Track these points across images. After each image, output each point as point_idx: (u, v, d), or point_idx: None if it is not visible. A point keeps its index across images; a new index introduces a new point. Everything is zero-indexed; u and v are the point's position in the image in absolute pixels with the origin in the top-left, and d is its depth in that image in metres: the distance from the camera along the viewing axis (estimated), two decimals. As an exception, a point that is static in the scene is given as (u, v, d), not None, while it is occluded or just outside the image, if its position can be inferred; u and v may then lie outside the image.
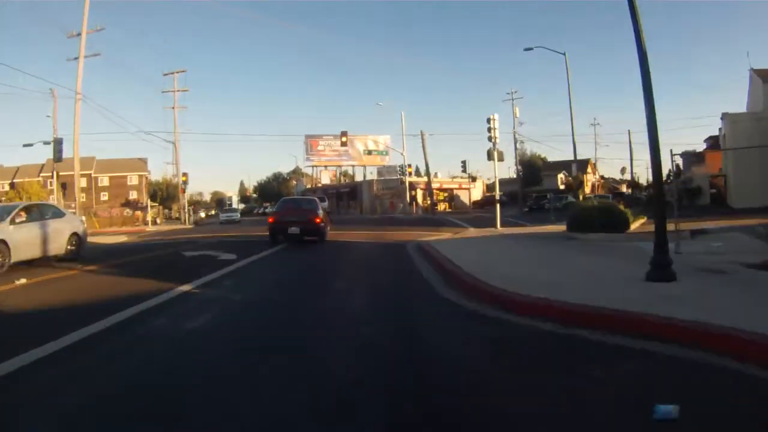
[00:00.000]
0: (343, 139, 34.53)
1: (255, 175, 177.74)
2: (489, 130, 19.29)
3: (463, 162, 37.13)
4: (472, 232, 17.46)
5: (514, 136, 43.29)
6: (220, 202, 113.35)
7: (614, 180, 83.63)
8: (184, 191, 44.98)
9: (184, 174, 45.28)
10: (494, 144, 18.96)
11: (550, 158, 68.33)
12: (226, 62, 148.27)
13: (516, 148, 43.26)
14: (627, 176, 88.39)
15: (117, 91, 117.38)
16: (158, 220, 50.88)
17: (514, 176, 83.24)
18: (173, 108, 47.24)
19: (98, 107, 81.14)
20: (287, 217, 14.29)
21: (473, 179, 39.35)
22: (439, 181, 53.97)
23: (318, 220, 14.10)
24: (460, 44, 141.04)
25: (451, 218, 30.85)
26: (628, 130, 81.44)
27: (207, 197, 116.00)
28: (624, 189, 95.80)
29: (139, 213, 50.79)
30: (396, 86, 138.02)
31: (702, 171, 61.95)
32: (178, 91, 47.61)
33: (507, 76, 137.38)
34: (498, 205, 18.96)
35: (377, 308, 5.74)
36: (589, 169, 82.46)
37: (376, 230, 20.58)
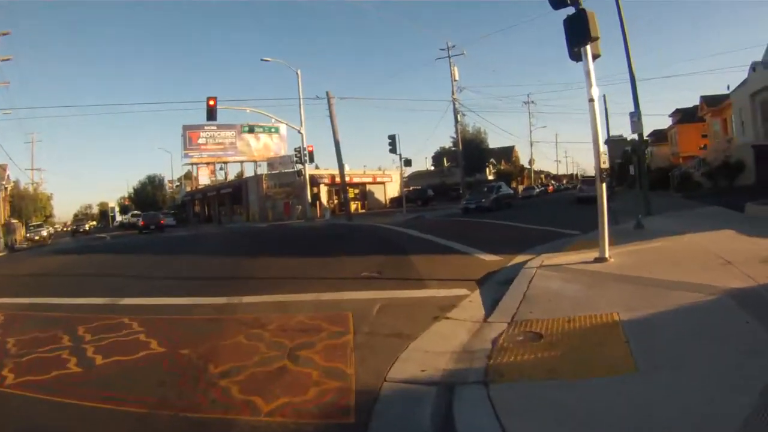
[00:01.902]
0: (211, 102, 21.12)
1: (133, 179, 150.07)
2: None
3: (392, 137, 24.36)
4: (583, 289, 4.58)
5: (454, 104, 31.65)
6: (104, 214, 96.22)
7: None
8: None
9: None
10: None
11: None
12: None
13: (456, 121, 31.59)
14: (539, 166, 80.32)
15: None
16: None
17: (432, 168, 73.01)
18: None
19: None
20: (148, 221, 34.63)
21: (408, 163, 26.67)
22: (348, 174, 40.76)
23: (162, 222, 35.53)
24: None
25: (386, 225, 18.02)
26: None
27: (95, 209, 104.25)
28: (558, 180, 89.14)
29: None
30: (294, 50, 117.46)
31: (664, 152, 49.78)
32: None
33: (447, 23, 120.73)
34: (603, 195, 6.11)
35: None
36: (514, 157, 74.05)
37: (219, 291, 7.03)
